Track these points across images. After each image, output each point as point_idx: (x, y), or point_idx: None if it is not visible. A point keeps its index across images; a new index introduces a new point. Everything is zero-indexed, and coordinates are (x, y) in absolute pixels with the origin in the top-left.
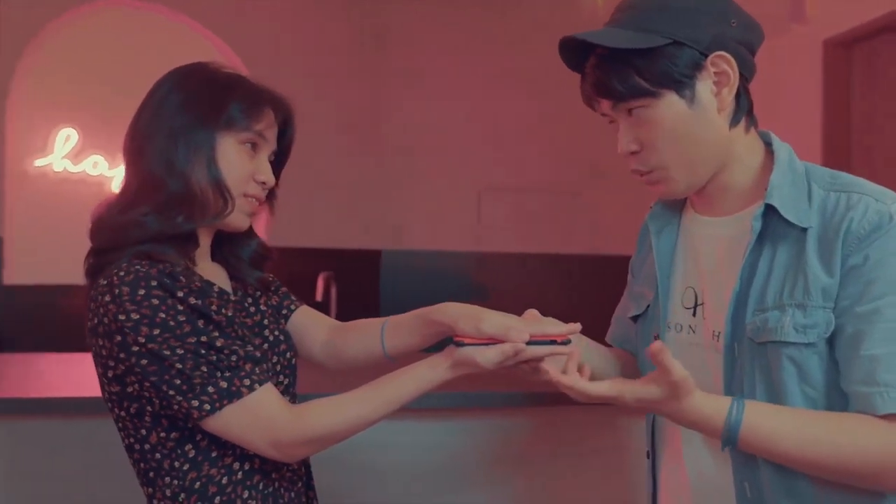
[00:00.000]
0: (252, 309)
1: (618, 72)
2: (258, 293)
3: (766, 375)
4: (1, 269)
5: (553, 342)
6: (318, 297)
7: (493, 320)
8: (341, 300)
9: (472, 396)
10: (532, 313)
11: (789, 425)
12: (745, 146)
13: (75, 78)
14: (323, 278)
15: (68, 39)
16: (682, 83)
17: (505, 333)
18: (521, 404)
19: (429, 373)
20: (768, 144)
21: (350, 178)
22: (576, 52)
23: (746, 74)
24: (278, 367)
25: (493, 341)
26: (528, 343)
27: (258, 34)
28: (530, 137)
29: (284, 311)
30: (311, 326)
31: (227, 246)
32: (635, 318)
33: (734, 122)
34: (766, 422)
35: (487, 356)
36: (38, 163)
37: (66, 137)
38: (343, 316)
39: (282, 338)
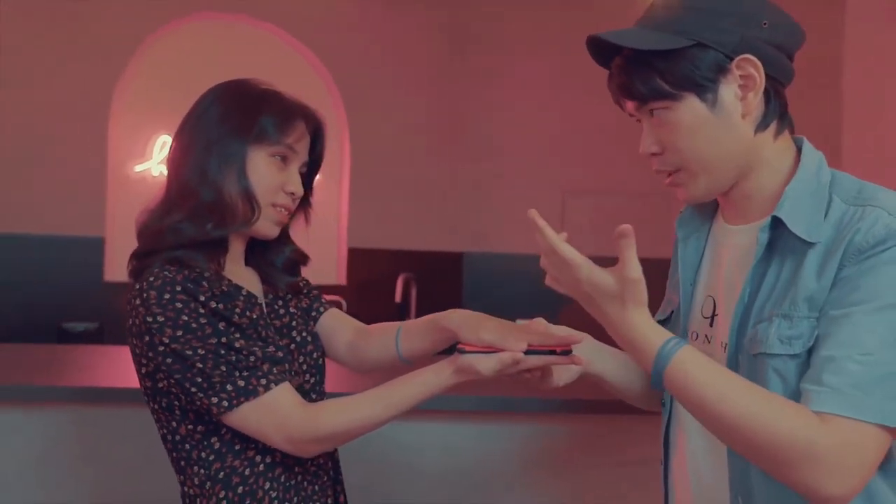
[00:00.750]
0: (281, 311)
1: (640, 73)
2: (289, 296)
3: None
4: (102, 267)
5: (552, 352)
6: (398, 298)
7: (492, 329)
8: (422, 302)
9: (509, 401)
10: (537, 322)
11: (719, 380)
12: (775, 151)
13: (171, 88)
14: (402, 280)
15: (165, 52)
16: (703, 86)
17: (503, 342)
18: (559, 411)
19: (434, 378)
20: (801, 150)
21: (432, 181)
22: (604, 50)
23: (779, 77)
24: (304, 367)
25: (494, 349)
26: (528, 352)
27: (344, 42)
28: (616, 139)
29: (314, 314)
30: (337, 328)
31: (260, 252)
32: (662, 323)
33: (761, 127)
34: (697, 367)
35: (486, 364)
36: (138, 168)
37: (163, 144)
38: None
39: (309, 339)
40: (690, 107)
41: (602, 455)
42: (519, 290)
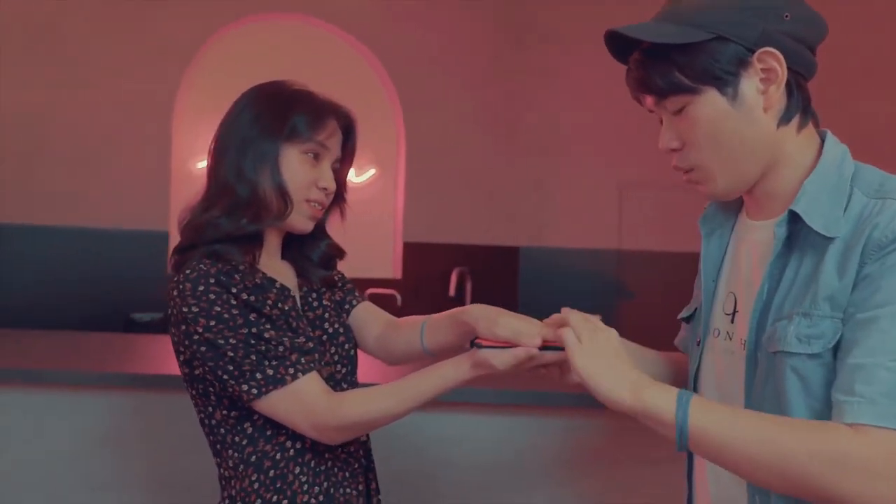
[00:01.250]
0: (315, 304)
1: (659, 67)
2: (323, 289)
3: (776, 387)
4: (167, 260)
5: None
6: (452, 292)
7: (507, 324)
8: (477, 296)
9: (545, 395)
10: (555, 317)
11: (734, 427)
12: (797, 146)
13: (232, 87)
14: (457, 274)
15: (226, 52)
16: (723, 80)
17: (517, 338)
18: (592, 405)
19: (452, 371)
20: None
21: (488, 175)
22: (622, 45)
23: (801, 71)
24: (336, 357)
25: (510, 344)
26: (543, 348)
27: (398, 37)
28: None
29: (347, 306)
30: (369, 321)
31: (296, 246)
32: (686, 320)
33: (784, 121)
34: (713, 425)
35: (501, 359)
36: (200, 164)
37: None
38: None
39: (341, 330)
40: (711, 101)
41: (635, 450)
42: (576, 285)
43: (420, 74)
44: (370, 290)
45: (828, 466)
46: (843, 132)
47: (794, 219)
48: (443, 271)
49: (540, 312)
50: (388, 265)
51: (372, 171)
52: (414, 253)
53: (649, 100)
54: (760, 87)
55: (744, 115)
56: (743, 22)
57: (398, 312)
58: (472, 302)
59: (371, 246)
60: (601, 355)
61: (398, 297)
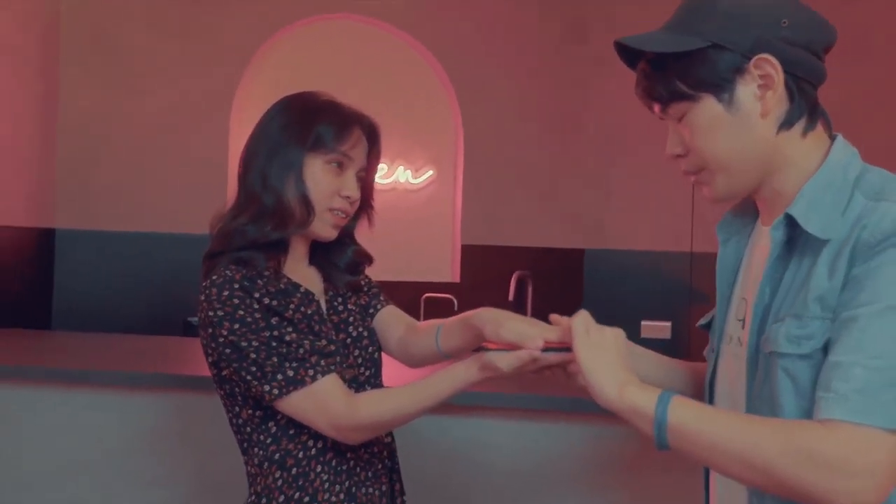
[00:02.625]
0: (340, 308)
1: (660, 76)
2: (348, 294)
3: (770, 389)
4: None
5: (569, 349)
6: (511, 296)
7: (512, 327)
8: (540, 300)
9: (575, 402)
10: (559, 318)
11: (710, 426)
12: (802, 151)
13: (291, 90)
14: (516, 277)
15: (282, 55)
16: (720, 87)
17: (520, 340)
18: None
19: (462, 373)
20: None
21: (550, 175)
22: (630, 54)
23: (804, 76)
24: (360, 360)
25: (516, 347)
26: (546, 350)
27: (456, 34)
28: None
29: (371, 310)
30: (391, 324)
31: (322, 253)
32: (703, 328)
33: (785, 126)
34: (691, 420)
35: (505, 361)
36: None
37: None
38: (540, 316)
39: (365, 334)
40: (708, 107)
41: (661, 458)
42: (646, 289)
43: (478, 74)
44: (427, 294)
45: (795, 462)
46: None
47: (792, 222)
48: (502, 275)
49: (606, 318)
50: (447, 268)
51: (430, 173)
52: (473, 256)
53: (656, 107)
54: (757, 93)
55: (740, 121)
56: (738, 29)
57: None
58: (534, 306)
59: (428, 248)
60: (604, 350)
61: (455, 301)
